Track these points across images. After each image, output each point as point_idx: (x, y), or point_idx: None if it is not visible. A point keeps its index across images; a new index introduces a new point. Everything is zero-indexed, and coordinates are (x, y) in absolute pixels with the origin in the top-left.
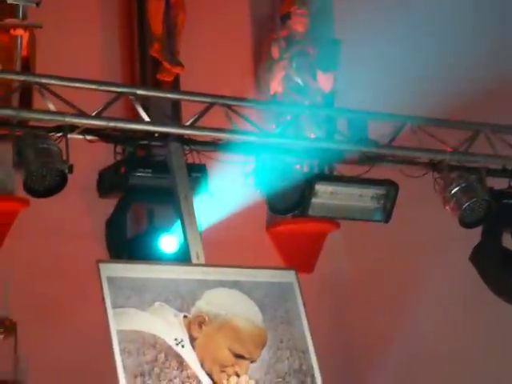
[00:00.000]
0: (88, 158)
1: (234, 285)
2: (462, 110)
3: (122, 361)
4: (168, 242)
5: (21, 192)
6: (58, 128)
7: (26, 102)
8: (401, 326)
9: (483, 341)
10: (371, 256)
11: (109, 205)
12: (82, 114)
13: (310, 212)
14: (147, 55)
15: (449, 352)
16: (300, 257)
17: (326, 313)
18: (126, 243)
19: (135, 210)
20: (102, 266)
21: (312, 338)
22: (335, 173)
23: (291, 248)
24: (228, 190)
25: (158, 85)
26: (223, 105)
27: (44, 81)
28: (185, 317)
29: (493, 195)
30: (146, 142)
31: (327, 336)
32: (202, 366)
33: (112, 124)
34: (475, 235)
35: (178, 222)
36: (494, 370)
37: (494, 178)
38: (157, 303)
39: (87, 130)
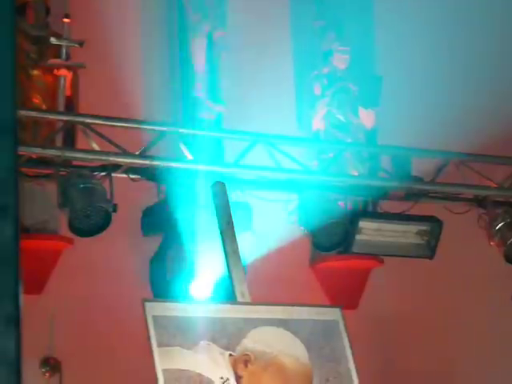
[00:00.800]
0: (132, 197)
1: (280, 323)
2: (507, 145)
3: None
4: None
5: (65, 232)
6: (102, 167)
7: (69, 142)
8: (441, 364)
9: None
10: (414, 293)
11: (153, 244)
12: (125, 152)
13: (354, 249)
14: (190, 94)
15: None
16: (344, 293)
17: (369, 349)
18: (167, 282)
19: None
20: (147, 304)
21: (358, 377)
22: (379, 210)
23: (335, 284)
24: (271, 228)
25: (200, 123)
26: (266, 142)
27: (88, 120)
28: (230, 355)
29: None
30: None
31: (371, 372)
32: None
33: (155, 162)
34: None
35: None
36: None
37: None
38: (202, 342)
39: (131, 169)
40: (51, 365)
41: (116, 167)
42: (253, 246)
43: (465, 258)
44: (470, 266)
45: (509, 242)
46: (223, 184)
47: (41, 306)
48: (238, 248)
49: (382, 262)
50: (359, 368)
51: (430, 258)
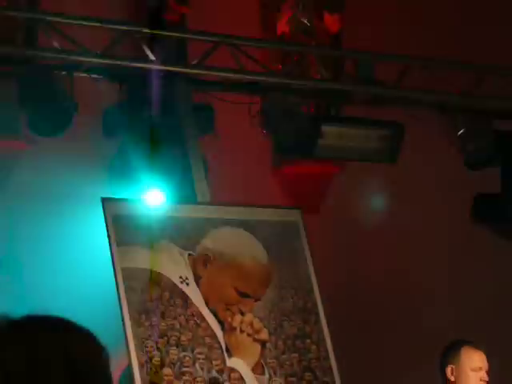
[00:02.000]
0: (93, 98)
1: (240, 224)
2: (472, 51)
3: (127, 298)
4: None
5: (26, 132)
6: (63, 66)
7: (30, 40)
8: (406, 265)
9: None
10: (376, 197)
11: (114, 144)
12: (87, 51)
13: (316, 153)
14: None
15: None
16: (305, 198)
17: (331, 253)
18: (128, 183)
19: (142, 151)
20: (106, 203)
21: (316, 277)
22: (341, 114)
23: (297, 189)
24: (233, 130)
25: (164, 24)
26: (230, 44)
27: (49, 18)
28: (190, 255)
29: (500, 137)
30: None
31: (331, 275)
32: (206, 304)
33: (118, 62)
34: (478, 180)
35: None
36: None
37: (501, 121)
38: (162, 241)
39: (92, 69)
40: None
41: (77, 66)
42: (214, 147)
43: (426, 164)
44: (431, 172)
45: (470, 148)
46: (186, 84)
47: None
48: (199, 149)
49: (343, 166)
50: (320, 272)
51: (392, 162)
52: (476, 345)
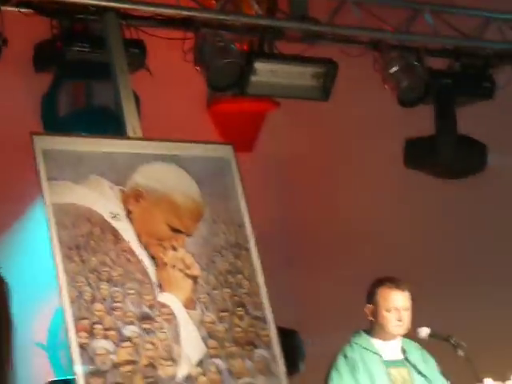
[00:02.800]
0: (23, 33)
1: (172, 159)
2: None
3: (57, 234)
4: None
5: None
6: None
7: None
8: (337, 204)
9: (410, 222)
10: (309, 136)
11: (46, 80)
12: None
13: (249, 90)
14: None
15: (378, 232)
16: (239, 136)
17: (265, 191)
18: (60, 120)
19: (74, 87)
20: (36, 138)
21: (248, 213)
22: (275, 51)
23: (230, 127)
24: (166, 66)
25: None
26: None
27: None
28: (121, 190)
29: (432, 75)
30: (82, 16)
31: (263, 212)
32: (138, 239)
33: None
34: (413, 118)
35: None
36: (418, 242)
37: (433, 58)
38: (92, 176)
39: (22, 3)
40: None
41: (6, 0)
42: (147, 83)
43: (360, 102)
44: (365, 110)
45: (403, 85)
46: (116, 18)
47: None
48: (129, 83)
49: (277, 105)
50: (252, 208)
51: (325, 100)
52: (395, 284)
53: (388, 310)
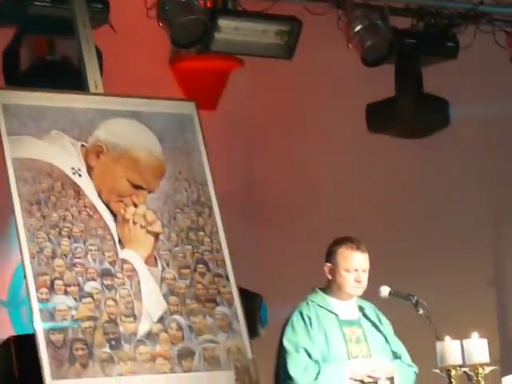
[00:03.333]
0: None
1: (134, 115)
2: None
3: (18, 189)
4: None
5: None
6: None
7: None
8: (299, 164)
9: (372, 182)
10: (273, 95)
11: (7, 34)
12: None
13: (213, 47)
14: None
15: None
16: (203, 93)
17: (228, 150)
18: (22, 74)
19: (36, 42)
20: None
21: (211, 171)
22: (239, 8)
23: (194, 84)
24: (129, 22)
25: None
26: None
27: None
28: (82, 146)
29: (396, 34)
30: None
31: (226, 171)
32: (99, 195)
33: None
34: (377, 77)
35: None
36: (380, 202)
37: (397, 17)
38: (53, 131)
39: None
40: None
41: None
42: (109, 39)
43: (324, 60)
44: (329, 68)
45: (367, 44)
46: None
47: None
48: (91, 38)
49: (241, 63)
50: (213, 166)
51: (289, 58)
52: (356, 245)
53: (347, 270)
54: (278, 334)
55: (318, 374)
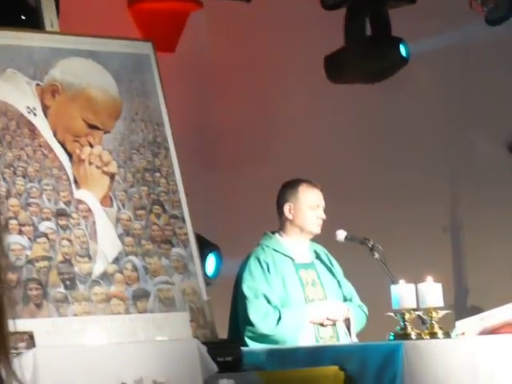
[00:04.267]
0: None
1: (90, 54)
2: None
3: None
4: None
5: None
6: None
7: None
8: (258, 107)
9: (333, 127)
10: (233, 38)
11: None
12: None
13: None
14: None
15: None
16: (161, 35)
17: (186, 92)
18: None
19: None
20: None
21: (168, 113)
22: None
23: (152, 26)
24: None
25: None
26: None
27: None
28: (37, 85)
29: None
30: None
31: (183, 112)
32: (54, 135)
33: None
34: (336, 21)
35: None
36: (339, 147)
37: None
38: (8, 70)
39: None
40: None
41: None
42: None
43: (284, 4)
44: (289, 12)
45: None
46: None
47: None
48: None
49: (200, 5)
50: (171, 108)
51: (248, 0)
52: (313, 183)
53: (311, 207)
54: (230, 281)
55: (279, 319)
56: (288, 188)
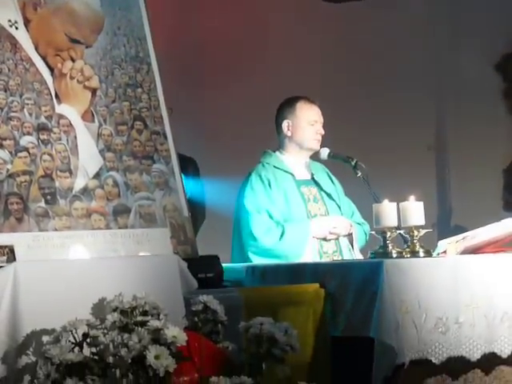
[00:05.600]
0: None
1: None
2: None
3: None
4: None
5: None
6: None
7: None
8: (249, 22)
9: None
10: None
11: None
12: None
13: None
14: None
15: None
16: None
17: (167, 6)
18: None
19: None
20: None
21: (150, 27)
22: None
23: None
24: None
25: None
26: None
27: None
28: None
29: None
30: None
31: (166, 29)
32: (36, 48)
33: None
34: None
35: None
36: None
37: None
38: None
39: None
40: None
41: None
42: None
43: None
44: None
45: None
46: None
47: None
48: None
49: None
50: (153, 23)
51: None
52: (311, 100)
53: (310, 123)
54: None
55: (282, 233)
56: (286, 105)
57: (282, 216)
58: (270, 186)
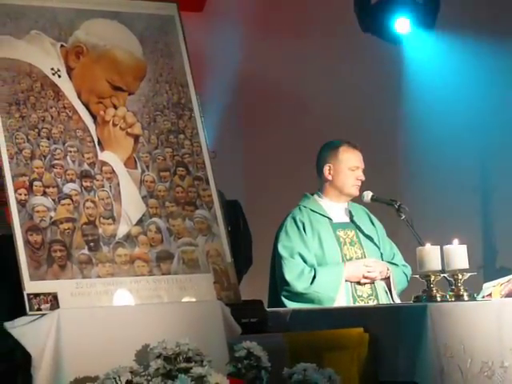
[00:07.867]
0: None
1: (115, 15)
2: None
3: None
4: None
5: None
6: None
7: None
8: (291, 73)
9: None
10: None
11: None
12: None
13: None
14: None
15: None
16: None
17: (213, 51)
18: None
19: None
20: None
21: (191, 73)
22: None
23: None
24: None
25: None
26: None
27: None
28: (62, 46)
29: None
30: None
31: (212, 74)
32: (78, 96)
33: None
34: None
35: None
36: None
37: None
38: (33, 31)
39: None
40: None
41: None
42: None
43: None
44: None
45: None
46: None
47: None
48: None
49: None
50: (198, 72)
51: None
52: (353, 144)
53: (351, 169)
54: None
55: (314, 278)
56: (328, 148)
57: (317, 260)
58: (304, 229)
